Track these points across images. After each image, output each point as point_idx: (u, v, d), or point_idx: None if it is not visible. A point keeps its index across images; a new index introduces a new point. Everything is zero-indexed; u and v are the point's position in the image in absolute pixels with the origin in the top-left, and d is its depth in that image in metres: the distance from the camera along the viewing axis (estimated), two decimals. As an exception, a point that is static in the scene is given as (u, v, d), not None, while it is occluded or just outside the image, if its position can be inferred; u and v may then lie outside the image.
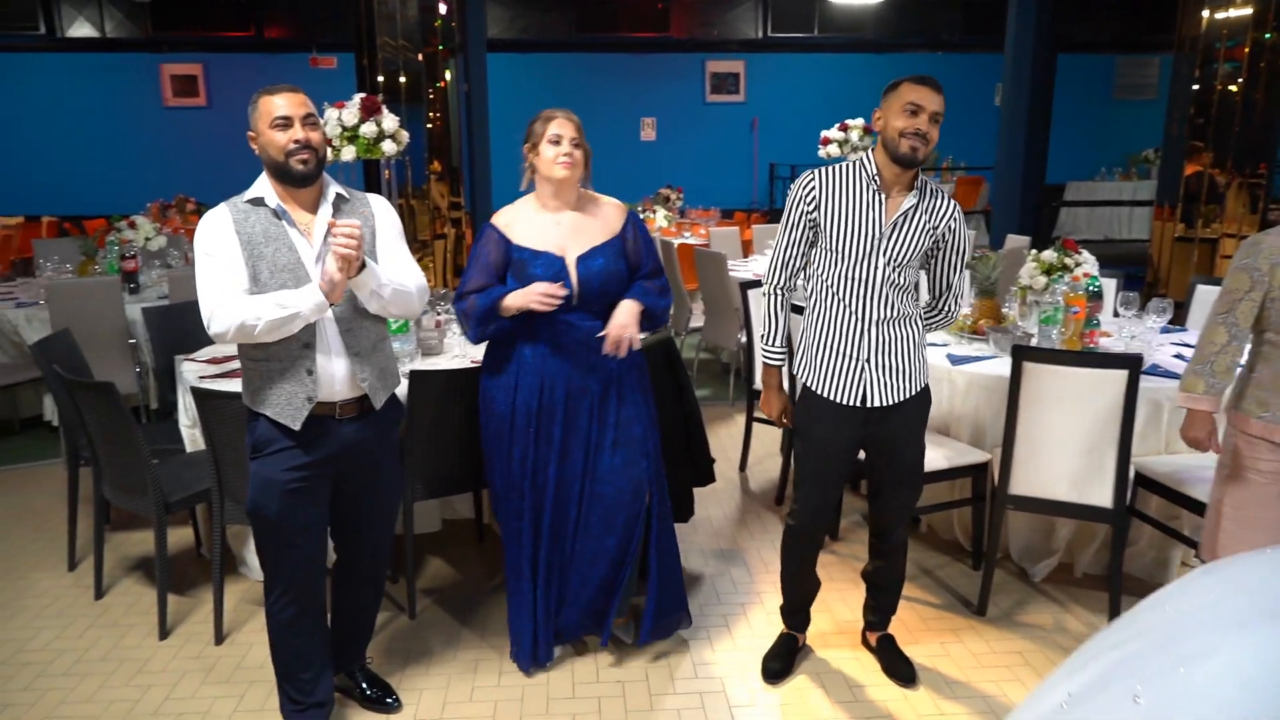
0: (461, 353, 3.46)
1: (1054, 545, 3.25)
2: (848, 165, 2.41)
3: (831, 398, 2.43)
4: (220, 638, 2.88)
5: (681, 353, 6.14)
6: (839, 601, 3.07)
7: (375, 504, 2.42)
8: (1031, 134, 7.61)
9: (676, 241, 7.18)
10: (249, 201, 2.18)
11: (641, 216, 5.39)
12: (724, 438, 4.72)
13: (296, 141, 2.12)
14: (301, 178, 2.15)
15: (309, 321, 2.11)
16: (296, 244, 2.17)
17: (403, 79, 5.50)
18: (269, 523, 2.23)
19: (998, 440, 2.98)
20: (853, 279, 2.37)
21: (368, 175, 5.32)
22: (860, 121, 6.63)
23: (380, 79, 5.40)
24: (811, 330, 2.47)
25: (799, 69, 12.73)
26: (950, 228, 2.41)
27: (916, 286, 2.49)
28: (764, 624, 2.96)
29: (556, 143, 2.48)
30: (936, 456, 3.08)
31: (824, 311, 2.43)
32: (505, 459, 2.61)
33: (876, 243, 2.35)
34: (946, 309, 2.59)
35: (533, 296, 2.44)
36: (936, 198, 2.41)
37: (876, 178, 2.35)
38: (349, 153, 3.61)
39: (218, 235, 2.14)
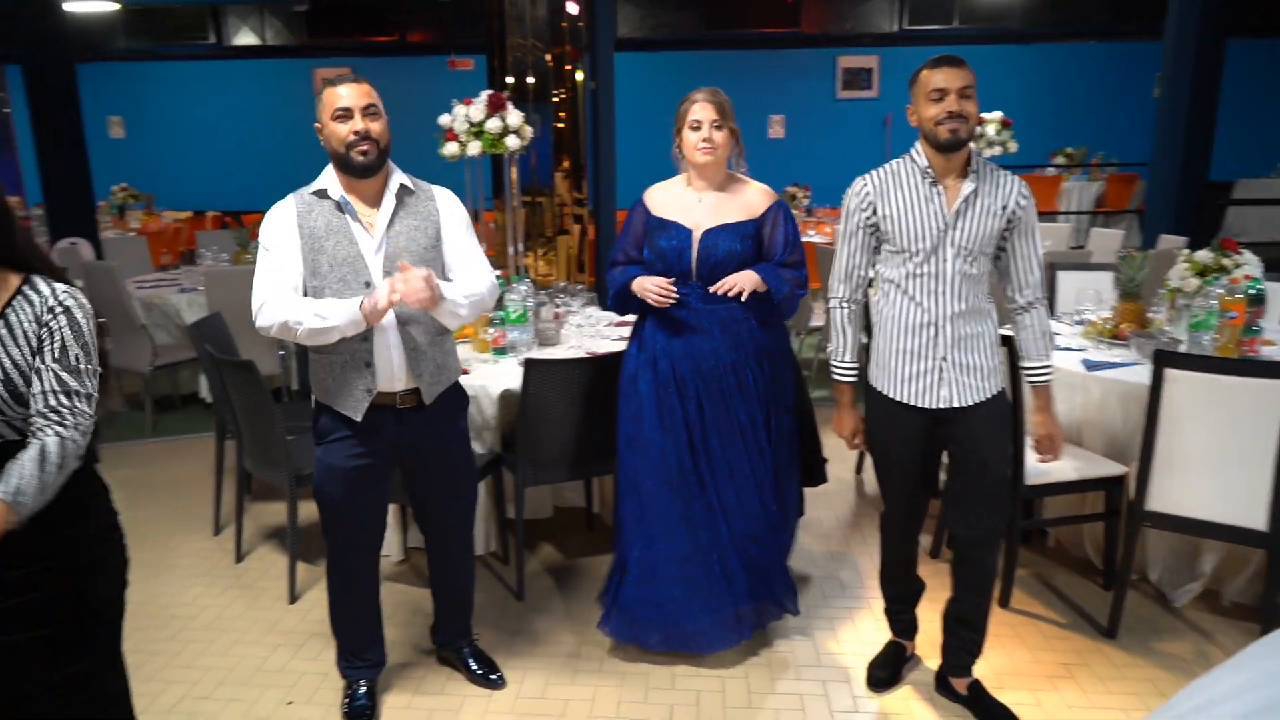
0: (577, 344, 3.52)
1: (1199, 569, 3.00)
2: (898, 163, 2.33)
3: (904, 400, 2.33)
4: (342, 606, 3.04)
5: (801, 352, 6.04)
6: (954, 613, 2.94)
7: (446, 491, 2.46)
8: (1193, 128, 7.03)
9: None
10: (314, 193, 2.22)
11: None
12: (840, 440, 4.59)
13: (356, 133, 2.12)
14: (362, 169, 2.16)
15: (345, 335, 2.13)
16: (358, 237, 2.19)
17: (531, 79, 5.64)
18: (331, 505, 2.34)
19: (1136, 453, 2.78)
20: (923, 275, 2.27)
21: (495, 171, 5.50)
22: (998, 115, 6.34)
23: (510, 79, 5.57)
24: (882, 332, 2.38)
25: (937, 63, 12.25)
26: (1019, 204, 2.26)
27: (987, 279, 2.35)
28: (871, 630, 2.87)
29: (696, 128, 2.53)
30: (1064, 467, 2.90)
31: (895, 313, 2.33)
32: (649, 436, 2.63)
33: (943, 235, 2.24)
34: (1036, 308, 2.36)
35: (649, 292, 2.51)
36: (997, 177, 2.28)
37: (929, 170, 2.25)
38: (474, 147, 3.75)
39: (279, 230, 2.19)
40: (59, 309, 1.53)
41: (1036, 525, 3.22)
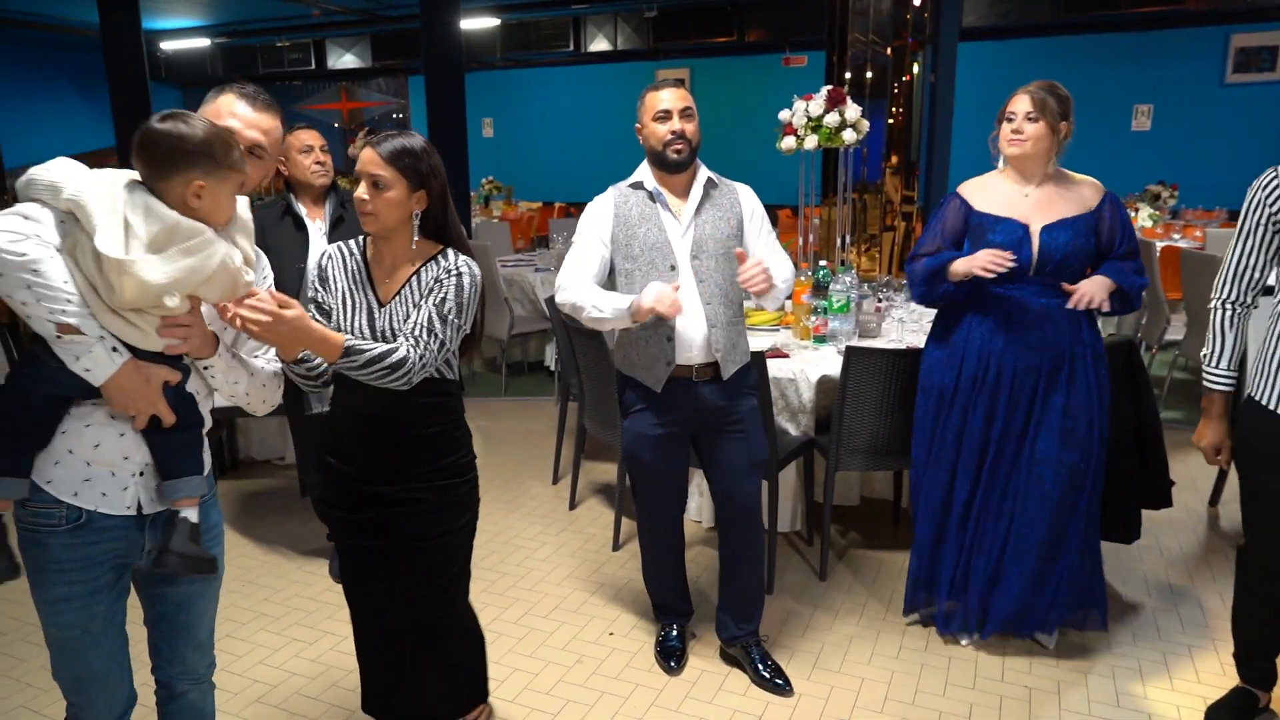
0: (898, 338, 3.52)
1: None
2: None
3: None
4: (658, 559, 3.34)
5: (1153, 368, 5.43)
6: (1325, 673, 2.55)
7: (736, 467, 2.53)
8: None
9: (1160, 244, 6.35)
10: (631, 185, 2.48)
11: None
12: (1194, 466, 4.11)
13: (674, 133, 2.36)
14: (675, 165, 2.39)
15: (616, 327, 2.38)
16: (667, 225, 2.42)
17: (869, 74, 5.62)
18: (641, 469, 2.56)
19: None
20: None
21: (825, 167, 5.56)
22: None
23: (848, 74, 5.59)
24: (1272, 336, 2.10)
25: (1365, 38, 10.19)
26: None
27: None
28: (1213, 674, 2.58)
29: (1010, 120, 2.47)
30: None
31: None
32: (935, 429, 2.66)
33: None
34: None
35: (979, 261, 2.43)
36: None
37: None
38: (811, 141, 3.86)
39: (595, 219, 2.46)
40: (454, 272, 1.86)
41: None
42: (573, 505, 3.89)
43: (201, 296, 1.56)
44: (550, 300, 4.07)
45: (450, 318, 1.82)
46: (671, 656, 2.68)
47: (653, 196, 2.45)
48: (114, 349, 1.49)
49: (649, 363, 2.46)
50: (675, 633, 2.73)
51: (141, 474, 1.60)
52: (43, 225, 1.45)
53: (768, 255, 2.48)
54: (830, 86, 3.87)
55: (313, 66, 14.01)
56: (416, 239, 1.87)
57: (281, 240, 2.96)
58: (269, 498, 4.04)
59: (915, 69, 5.87)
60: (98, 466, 1.55)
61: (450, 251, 1.90)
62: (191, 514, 1.63)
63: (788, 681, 2.56)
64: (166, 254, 1.46)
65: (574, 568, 3.33)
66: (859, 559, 3.36)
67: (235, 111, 1.74)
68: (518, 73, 14.19)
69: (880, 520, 3.65)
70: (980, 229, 2.53)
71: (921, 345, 3.27)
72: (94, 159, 1.81)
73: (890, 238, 6.43)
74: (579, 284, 2.41)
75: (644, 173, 2.48)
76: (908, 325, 3.67)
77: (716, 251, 2.42)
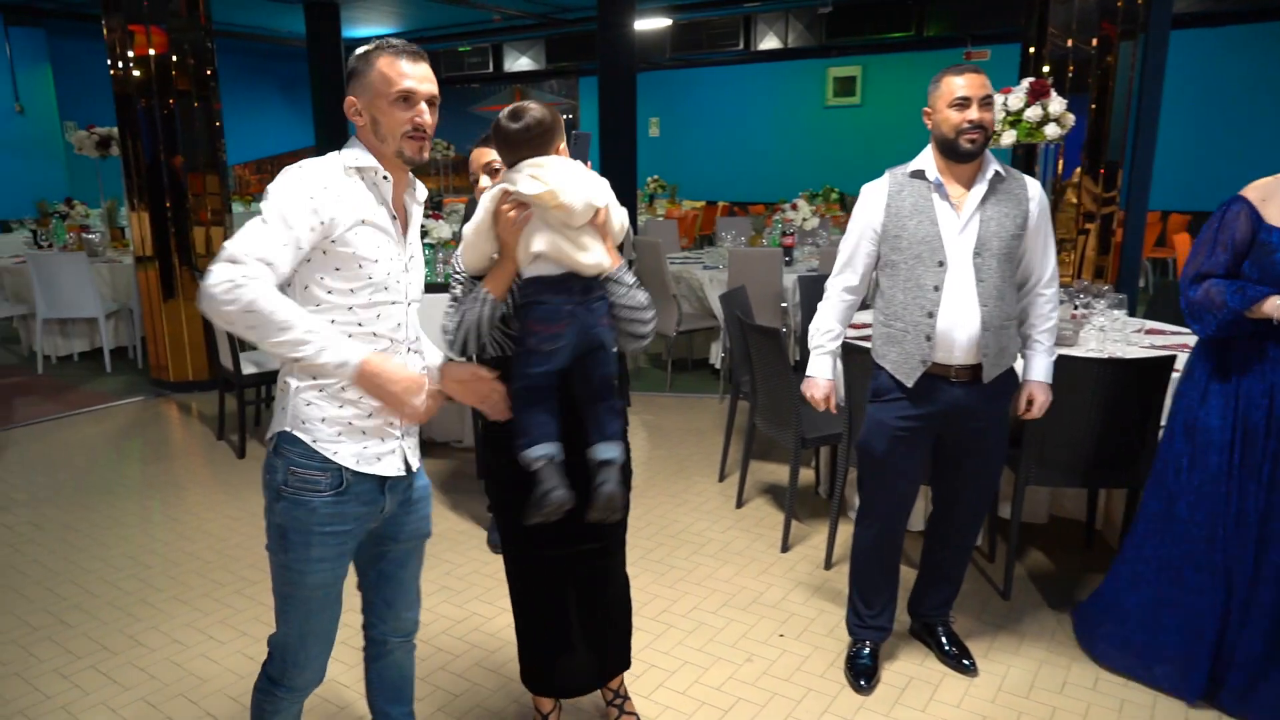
0: (1098, 347, 3.28)
1: None
2: None
3: None
4: (829, 564, 3.27)
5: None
6: None
7: (974, 469, 2.47)
8: None
9: None
10: (911, 174, 2.36)
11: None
12: None
13: (970, 121, 2.23)
14: (966, 155, 2.26)
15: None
16: (942, 218, 2.30)
17: (1071, 68, 5.28)
18: (874, 460, 2.47)
19: None
20: None
21: (1014, 165, 5.27)
22: None
23: (1045, 68, 5.27)
24: None
25: None
26: None
27: None
28: None
29: None
30: None
31: None
32: (1191, 475, 2.38)
33: None
34: None
35: None
36: None
37: None
38: (1009, 137, 3.65)
39: (864, 213, 2.41)
40: None
41: None
42: (740, 504, 3.87)
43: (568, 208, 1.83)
44: (723, 298, 4.06)
45: None
46: (862, 675, 2.57)
47: (932, 187, 2.34)
48: (341, 364, 1.57)
49: (903, 358, 2.38)
50: (868, 650, 2.62)
51: (404, 436, 1.76)
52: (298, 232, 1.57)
53: (1041, 259, 2.41)
54: (1031, 79, 3.65)
55: (490, 69, 14.65)
56: None
57: None
58: (449, 478, 4.25)
59: (1120, 61, 5.46)
60: (372, 435, 1.69)
61: None
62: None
63: (974, 662, 2.59)
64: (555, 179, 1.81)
65: (742, 565, 3.31)
66: (1045, 580, 3.15)
67: (409, 72, 1.62)
68: (685, 72, 14.27)
69: (1070, 541, 3.42)
70: (1267, 247, 2.20)
71: (1124, 355, 3.04)
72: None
73: (1083, 240, 6.03)
74: (832, 306, 2.51)
75: (926, 160, 2.36)
76: (1110, 335, 3.41)
77: (1000, 250, 2.30)
